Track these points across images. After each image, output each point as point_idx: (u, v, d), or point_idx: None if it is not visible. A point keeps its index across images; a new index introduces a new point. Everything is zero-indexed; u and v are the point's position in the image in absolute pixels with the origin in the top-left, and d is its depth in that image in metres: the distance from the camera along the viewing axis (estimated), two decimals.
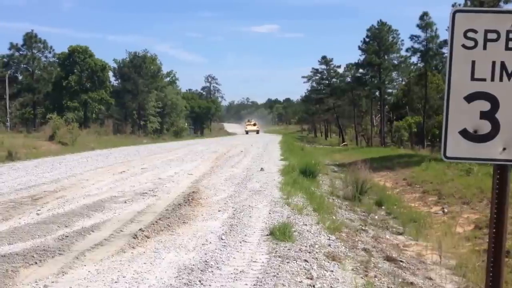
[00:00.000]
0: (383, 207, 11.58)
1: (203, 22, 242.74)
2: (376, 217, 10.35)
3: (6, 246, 6.00)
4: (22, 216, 7.78)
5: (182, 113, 67.60)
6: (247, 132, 79.20)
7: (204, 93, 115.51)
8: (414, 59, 47.81)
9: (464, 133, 2.90)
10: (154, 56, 59.09)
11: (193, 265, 5.29)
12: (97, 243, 6.19)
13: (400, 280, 5.58)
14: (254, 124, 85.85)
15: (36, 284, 4.69)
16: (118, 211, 8.27)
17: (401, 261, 6.68)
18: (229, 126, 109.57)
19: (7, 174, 13.75)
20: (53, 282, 4.76)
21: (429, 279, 6.10)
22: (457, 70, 2.91)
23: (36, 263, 5.33)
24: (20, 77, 52.01)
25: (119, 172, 14.19)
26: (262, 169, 15.36)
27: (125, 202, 9.19)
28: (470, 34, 2.88)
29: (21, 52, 50.28)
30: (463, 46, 2.89)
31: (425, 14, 42.58)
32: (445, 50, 38.77)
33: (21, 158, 18.91)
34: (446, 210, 11.53)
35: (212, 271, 5.09)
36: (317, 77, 69.70)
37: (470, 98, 2.89)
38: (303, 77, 72.27)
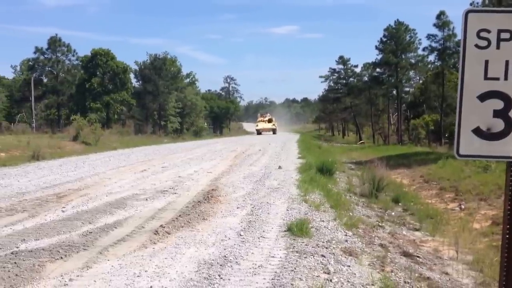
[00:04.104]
0: (399, 204, 11.56)
1: (223, 24, 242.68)
2: (393, 213, 10.36)
3: (33, 241, 6.21)
4: (48, 213, 8.02)
5: (201, 113, 67.80)
6: (259, 132, 58.68)
7: (223, 93, 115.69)
8: (431, 57, 47.36)
9: (477, 131, 2.92)
10: (174, 58, 59.47)
11: (213, 260, 5.42)
12: (120, 239, 6.37)
13: (416, 275, 5.62)
14: (269, 121, 62.62)
15: (62, 278, 4.84)
16: (140, 208, 8.46)
17: (417, 256, 6.71)
18: (247, 126, 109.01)
19: (33, 173, 14.08)
20: (78, 276, 4.92)
21: (446, 274, 6.11)
22: (470, 70, 2.91)
23: (61, 258, 5.51)
24: (45, 80, 53.03)
25: (140, 171, 14.44)
26: (280, 167, 15.47)
27: (146, 199, 9.38)
28: (483, 34, 2.88)
29: (45, 56, 51.38)
30: (476, 46, 2.90)
31: (442, 13, 42.03)
32: None
33: (46, 158, 19.25)
34: (463, 207, 11.46)
35: (231, 266, 5.22)
36: (334, 77, 69.25)
37: (483, 97, 2.91)
38: (321, 76, 71.76)
